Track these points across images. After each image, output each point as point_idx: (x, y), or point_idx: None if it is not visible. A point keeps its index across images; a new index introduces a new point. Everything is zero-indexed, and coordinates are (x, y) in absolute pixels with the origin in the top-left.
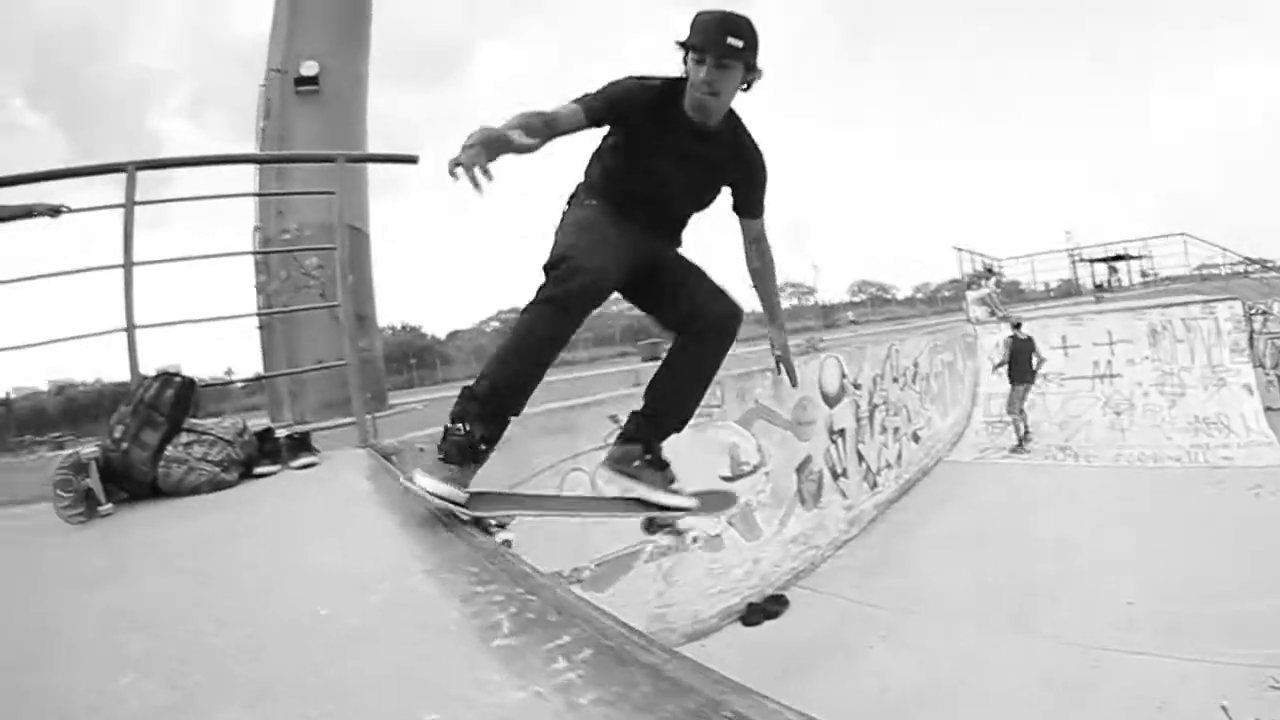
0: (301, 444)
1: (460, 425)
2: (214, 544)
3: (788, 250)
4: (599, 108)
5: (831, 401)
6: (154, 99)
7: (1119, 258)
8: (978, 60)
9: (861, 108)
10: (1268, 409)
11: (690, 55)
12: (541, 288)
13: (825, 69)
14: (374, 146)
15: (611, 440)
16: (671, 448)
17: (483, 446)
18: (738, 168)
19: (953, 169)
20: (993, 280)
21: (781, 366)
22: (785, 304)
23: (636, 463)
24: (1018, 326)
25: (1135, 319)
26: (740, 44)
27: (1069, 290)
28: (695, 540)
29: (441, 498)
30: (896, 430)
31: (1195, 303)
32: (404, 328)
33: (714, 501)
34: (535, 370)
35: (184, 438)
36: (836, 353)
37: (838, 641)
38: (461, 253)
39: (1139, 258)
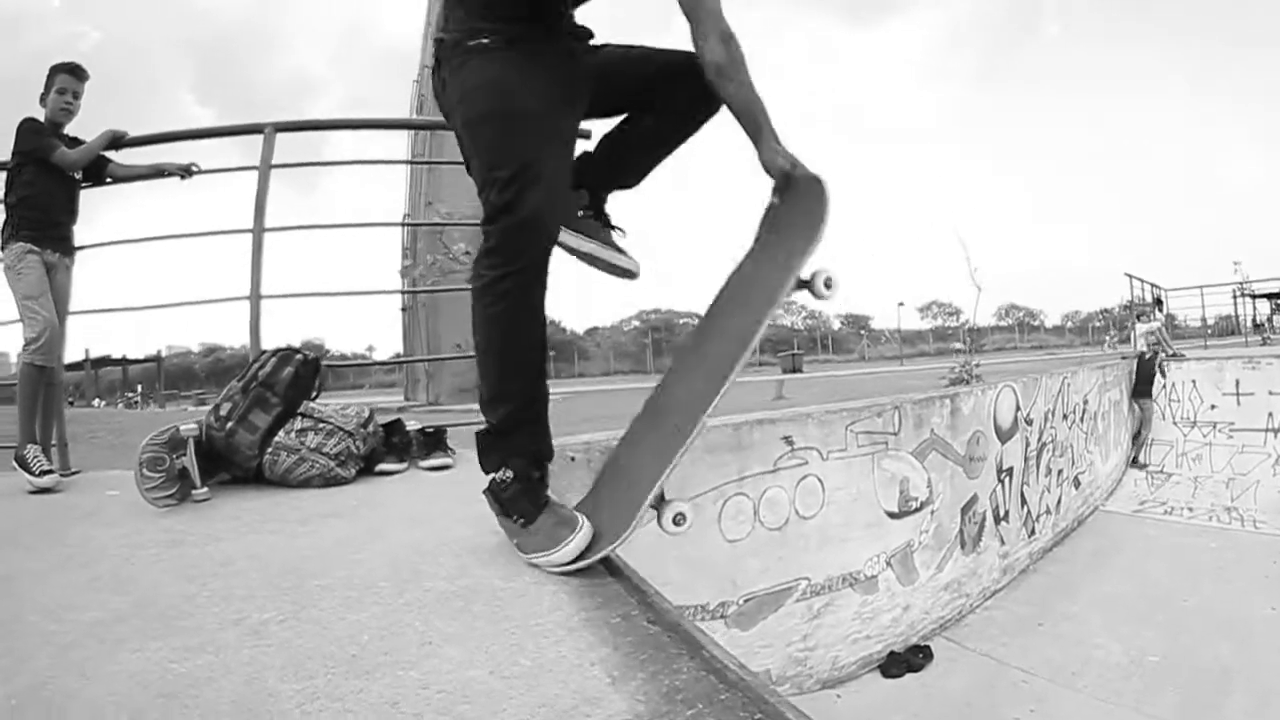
0: (435, 440)
1: (500, 475)
2: (294, 570)
3: (940, 269)
4: None
5: (1004, 437)
6: (310, 99)
7: None
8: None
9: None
10: None
11: None
12: (491, 253)
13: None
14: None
15: (782, 464)
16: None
17: (538, 474)
18: None
19: (1116, 191)
20: (1163, 312)
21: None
22: (928, 324)
23: (580, 213)
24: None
25: None
26: None
27: (1228, 328)
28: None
29: (583, 558)
30: (1060, 473)
31: None
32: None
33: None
34: (533, 359)
35: (299, 423)
36: (1012, 382)
37: (984, 706)
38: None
39: None
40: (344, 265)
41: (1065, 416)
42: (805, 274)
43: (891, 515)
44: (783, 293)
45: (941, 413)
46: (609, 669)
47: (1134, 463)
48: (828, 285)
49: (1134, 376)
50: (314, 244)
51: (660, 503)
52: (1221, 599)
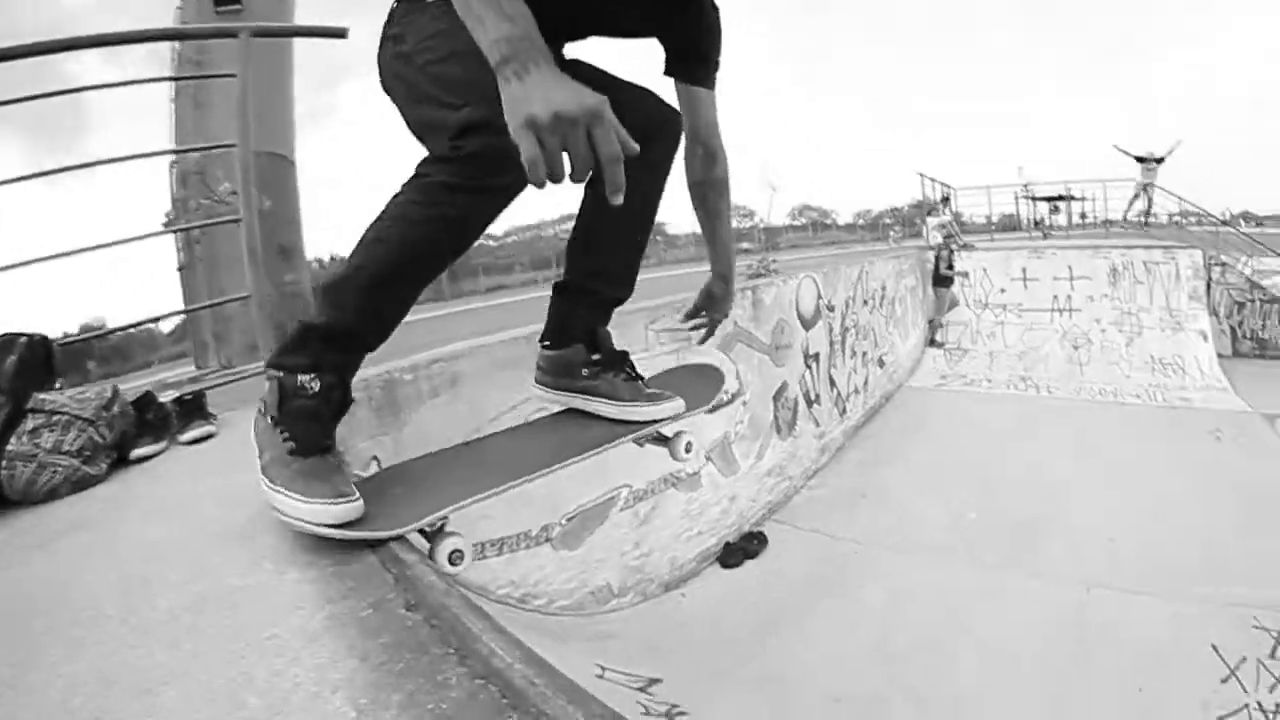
0: (193, 408)
1: (307, 379)
2: (19, 613)
3: (736, 171)
4: None
5: (808, 324)
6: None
7: (1061, 198)
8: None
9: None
10: (1220, 356)
11: None
12: (454, 161)
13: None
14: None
15: (587, 372)
16: None
17: (340, 403)
18: None
19: (911, 106)
20: (950, 209)
21: (705, 328)
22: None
23: (585, 370)
24: (948, 238)
25: (1096, 257)
26: None
27: (1010, 225)
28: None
29: (328, 526)
30: (865, 355)
31: (1158, 247)
32: (334, 259)
33: (702, 388)
34: (425, 278)
35: (29, 423)
36: (813, 273)
37: (829, 583)
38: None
39: (1081, 199)
40: (110, 229)
41: (866, 302)
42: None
43: (706, 410)
44: (640, 434)
45: (743, 304)
46: (354, 696)
47: (932, 342)
48: (687, 450)
49: (932, 267)
50: (70, 210)
51: (437, 533)
52: (1027, 458)
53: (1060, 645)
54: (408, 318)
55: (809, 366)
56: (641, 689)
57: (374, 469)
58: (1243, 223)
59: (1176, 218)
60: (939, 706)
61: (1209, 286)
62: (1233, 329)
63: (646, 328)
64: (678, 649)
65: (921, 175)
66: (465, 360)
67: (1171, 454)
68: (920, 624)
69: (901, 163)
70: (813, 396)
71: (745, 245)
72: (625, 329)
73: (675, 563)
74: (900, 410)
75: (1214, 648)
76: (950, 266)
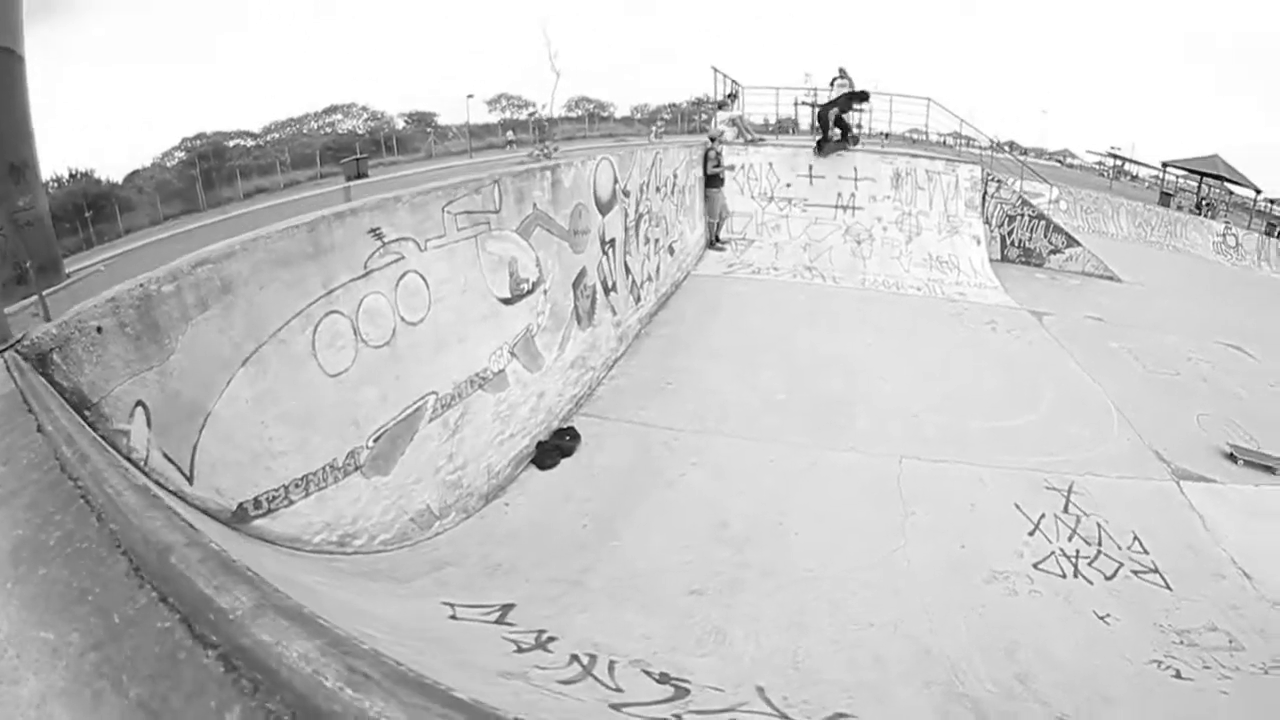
0: None
1: None
2: None
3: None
4: None
5: (604, 209)
6: None
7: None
8: None
9: None
10: (991, 260)
11: None
12: None
13: None
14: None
15: (374, 265)
16: None
17: None
18: None
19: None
20: (737, 105)
21: None
22: (496, 118)
23: None
24: (714, 139)
25: (881, 162)
26: None
27: (786, 128)
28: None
29: None
30: (657, 242)
31: (940, 159)
32: (73, 176)
33: None
34: None
35: None
36: (609, 155)
37: (652, 474)
38: (133, 74)
39: (861, 110)
40: None
41: (658, 189)
42: None
43: (505, 301)
44: None
45: (543, 185)
46: None
47: (711, 245)
48: None
49: (703, 166)
50: None
51: None
52: (824, 342)
53: (886, 513)
54: (156, 235)
55: (605, 253)
56: (499, 620)
57: (141, 420)
58: (1008, 150)
59: (948, 137)
60: (789, 581)
61: (984, 199)
62: (1003, 237)
63: (444, 210)
64: (518, 564)
65: (715, 69)
66: (238, 259)
67: (957, 340)
68: (752, 504)
69: (691, 60)
70: (610, 284)
71: (509, 136)
72: (420, 209)
73: (492, 471)
74: (692, 297)
75: (1017, 506)
76: (719, 165)
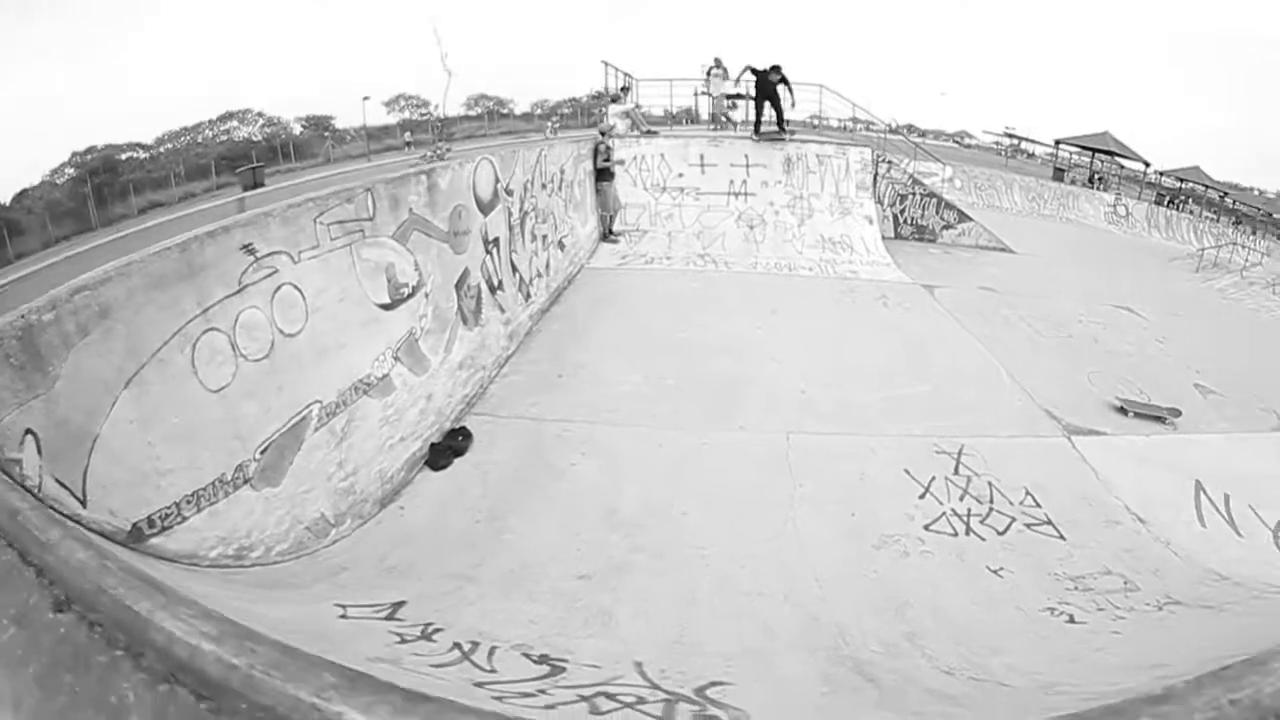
0: None
1: None
2: None
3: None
4: None
5: (486, 208)
6: None
7: (740, 96)
8: None
9: None
10: (885, 238)
11: None
12: None
13: None
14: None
15: (249, 280)
16: None
17: None
18: None
19: None
20: (631, 98)
21: None
22: (395, 118)
23: None
24: (604, 133)
25: (772, 148)
26: None
27: (688, 119)
28: None
29: None
30: (545, 238)
31: (831, 143)
32: None
33: None
34: None
35: None
36: (490, 155)
37: (544, 466)
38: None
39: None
40: None
41: (544, 186)
42: None
43: (385, 307)
44: None
45: (419, 190)
46: None
47: (605, 237)
48: None
49: (593, 160)
50: None
51: None
52: (715, 325)
53: (775, 488)
54: (49, 259)
55: (489, 252)
56: (389, 616)
57: (31, 447)
58: (906, 133)
59: (847, 122)
60: (679, 560)
61: (876, 180)
62: (895, 216)
63: (316, 222)
64: (413, 564)
65: (605, 63)
66: (114, 284)
67: (848, 317)
68: (643, 489)
69: (589, 53)
70: (495, 283)
71: (406, 138)
72: (292, 222)
73: (385, 475)
74: (584, 290)
75: (907, 472)
76: (608, 159)
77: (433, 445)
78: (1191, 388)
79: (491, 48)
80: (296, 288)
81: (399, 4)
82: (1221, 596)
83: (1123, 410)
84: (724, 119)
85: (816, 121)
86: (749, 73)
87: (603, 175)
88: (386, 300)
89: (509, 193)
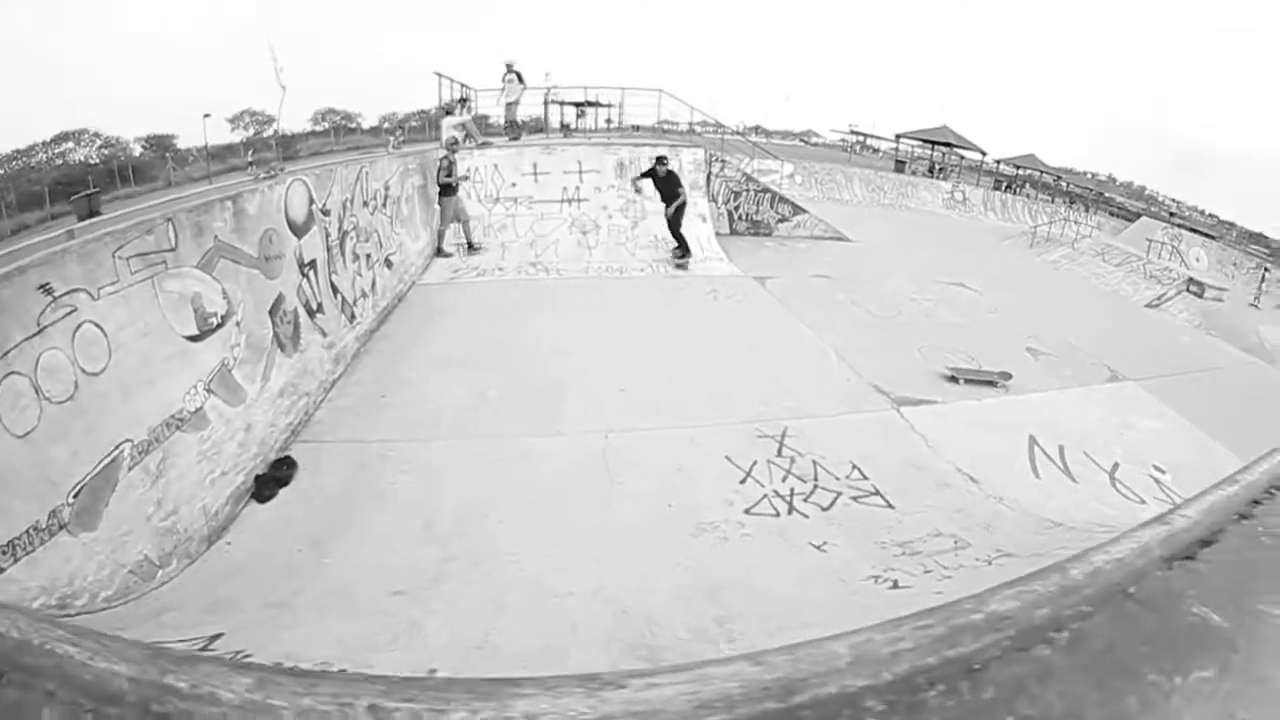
0: None
1: None
2: None
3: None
4: None
5: (300, 231)
6: None
7: (588, 103)
8: None
9: None
10: (720, 234)
11: None
12: None
13: None
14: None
15: (47, 320)
16: None
17: None
18: None
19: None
20: (468, 110)
21: None
22: (239, 136)
23: None
24: (450, 148)
25: (606, 153)
26: None
27: (538, 128)
28: None
29: None
30: (369, 257)
31: (664, 145)
32: None
33: None
34: None
35: None
36: (303, 175)
37: (366, 488)
38: None
39: (608, 105)
40: None
41: (366, 204)
42: None
43: (193, 339)
44: None
45: (224, 216)
46: None
47: (439, 252)
48: None
49: (436, 175)
50: None
51: None
52: (541, 333)
53: (592, 487)
54: None
55: (305, 275)
56: (202, 649)
57: None
58: (753, 134)
59: (695, 125)
60: (493, 568)
61: (709, 178)
62: (730, 212)
63: (114, 256)
64: (237, 598)
65: (439, 75)
66: None
67: (675, 313)
68: (461, 501)
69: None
70: (315, 306)
71: (249, 158)
72: (89, 258)
73: (209, 512)
74: (414, 308)
75: (728, 459)
76: (450, 174)
77: (257, 477)
78: (1024, 352)
79: (337, 60)
80: (97, 325)
81: (245, 14)
82: (1053, 544)
83: (953, 379)
84: (515, 124)
85: (669, 126)
86: (643, 179)
87: (445, 190)
88: (194, 331)
89: (325, 213)
